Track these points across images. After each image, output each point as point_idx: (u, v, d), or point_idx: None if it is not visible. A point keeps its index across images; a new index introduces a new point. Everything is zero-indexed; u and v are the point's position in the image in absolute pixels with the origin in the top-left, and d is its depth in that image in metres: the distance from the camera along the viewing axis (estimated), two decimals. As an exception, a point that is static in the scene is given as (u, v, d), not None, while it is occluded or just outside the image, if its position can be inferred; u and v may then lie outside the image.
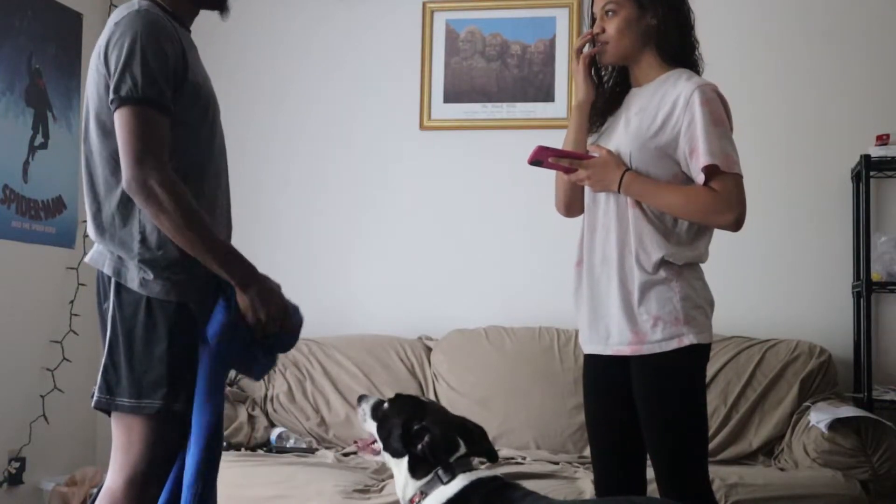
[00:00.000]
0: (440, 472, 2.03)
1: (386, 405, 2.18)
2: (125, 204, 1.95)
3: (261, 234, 4.23)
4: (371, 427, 2.19)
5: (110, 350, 1.94)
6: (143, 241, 1.94)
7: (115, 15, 1.96)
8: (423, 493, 2.04)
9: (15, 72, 3.73)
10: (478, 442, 2.14)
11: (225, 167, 2.15)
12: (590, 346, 2.30)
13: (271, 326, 1.98)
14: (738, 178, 2.15)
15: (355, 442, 2.11)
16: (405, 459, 2.08)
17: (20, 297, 3.74)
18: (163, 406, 1.91)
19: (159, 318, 1.92)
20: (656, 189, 2.16)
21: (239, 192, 4.08)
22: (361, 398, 2.27)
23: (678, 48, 2.25)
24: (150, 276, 1.93)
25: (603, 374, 2.28)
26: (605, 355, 2.24)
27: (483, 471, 2.08)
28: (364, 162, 4.24)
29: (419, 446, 2.05)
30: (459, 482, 2.02)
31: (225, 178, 2.15)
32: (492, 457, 2.18)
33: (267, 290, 1.98)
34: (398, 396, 2.23)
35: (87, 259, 2.05)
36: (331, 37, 4.31)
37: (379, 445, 2.17)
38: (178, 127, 1.95)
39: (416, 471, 2.06)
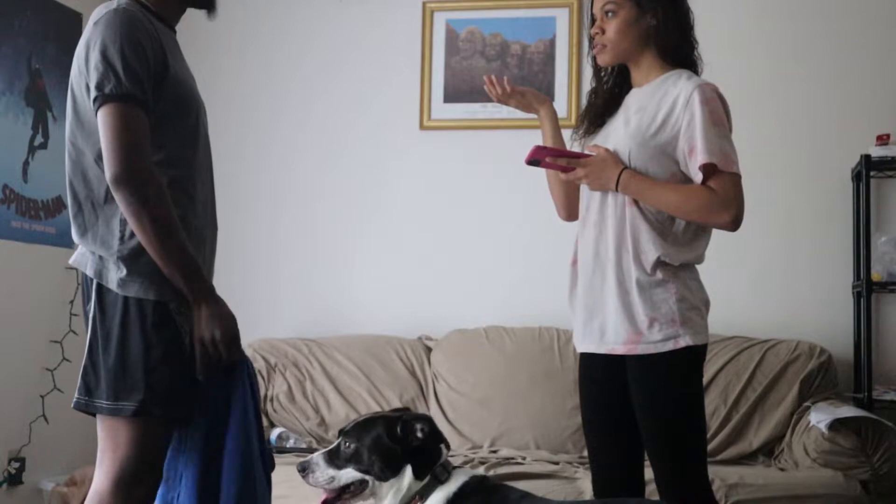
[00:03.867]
0: (438, 470, 2.01)
1: (346, 444, 2.07)
2: (106, 201, 1.95)
3: (261, 235, 4.24)
4: (342, 478, 2.05)
5: (90, 351, 1.94)
6: (123, 237, 1.93)
7: (95, 14, 1.96)
8: (422, 497, 2.01)
9: (15, 72, 3.73)
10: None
11: (210, 166, 2.15)
12: (583, 345, 2.30)
13: (218, 349, 1.93)
14: (736, 177, 2.14)
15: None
16: (407, 467, 2.02)
17: (20, 297, 3.74)
18: (139, 408, 1.89)
19: (136, 320, 1.91)
20: (654, 187, 2.16)
21: (239, 192, 4.13)
22: (303, 468, 2.10)
23: (678, 48, 2.25)
24: (128, 273, 1.91)
25: (598, 374, 2.28)
26: (600, 354, 2.24)
27: (469, 471, 2.08)
28: (364, 162, 4.24)
29: (419, 435, 2.03)
30: (457, 479, 2.01)
31: (210, 176, 2.14)
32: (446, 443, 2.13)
33: (221, 313, 1.94)
34: (353, 427, 2.10)
35: (70, 261, 2.03)
36: (331, 37, 4.31)
37: (365, 484, 2.04)
38: (161, 123, 1.95)
39: (418, 473, 2.02)
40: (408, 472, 2.02)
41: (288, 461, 3.32)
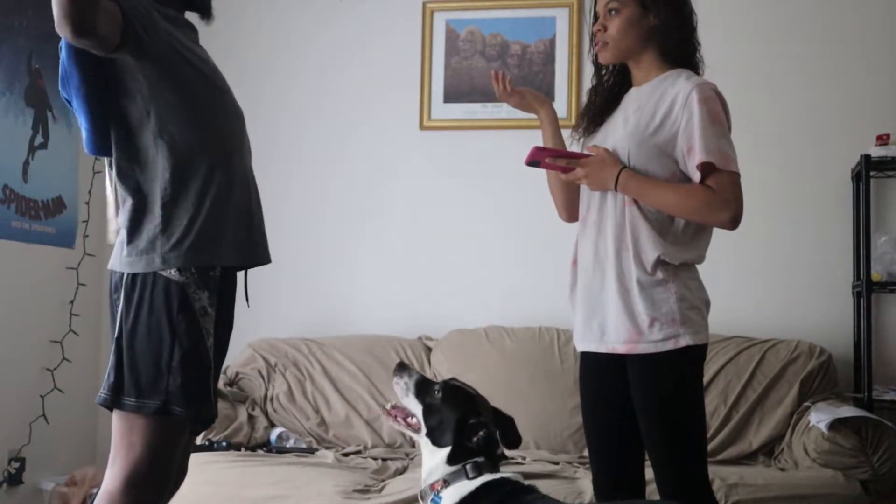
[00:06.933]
0: (468, 467, 2.05)
1: (438, 393, 2.14)
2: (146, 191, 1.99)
3: (261, 234, 4.23)
4: (413, 405, 2.16)
5: (117, 348, 1.95)
6: (161, 223, 1.96)
7: None
8: (447, 482, 2.05)
9: (15, 72, 3.73)
10: (509, 431, 2.19)
11: (239, 117, 2.27)
12: (583, 344, 2.30)
13: None
14: (734, 175, 2.14)
15: (386, 409, 2.14)
16: (447, 449, 2.08)
17: (20, 297, 3.73)
18: (161, 407, 1.90)
19: (163, 316, 1.92)
20: (652, 187, 2.16)
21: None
22: (402, 368, 2.20)
23: (679, 49, 2.25)
24: (158, 260, 1.94)
25: (599, 373, 2.28)
26: (601, 353, 2.24)
27: (504, 472, 2.09)
28: (364, 162, 4.24)
29: (474, 440, 2.06)
30: (481, 480, 2.03)
31: (242, 127, 2.27)
32: (515, 443, 2.21)
33: None
34: (449, 386, 2.18)
35: (108, 266, 2.05)
36: (331, 37, 4.31)
37: (419, 424, 2.15)
38: (158, 68, 2.00)
39: (454, 460, 2.07)
40: (444, 452, 2.08)
41: (288, 461, 3.33)
